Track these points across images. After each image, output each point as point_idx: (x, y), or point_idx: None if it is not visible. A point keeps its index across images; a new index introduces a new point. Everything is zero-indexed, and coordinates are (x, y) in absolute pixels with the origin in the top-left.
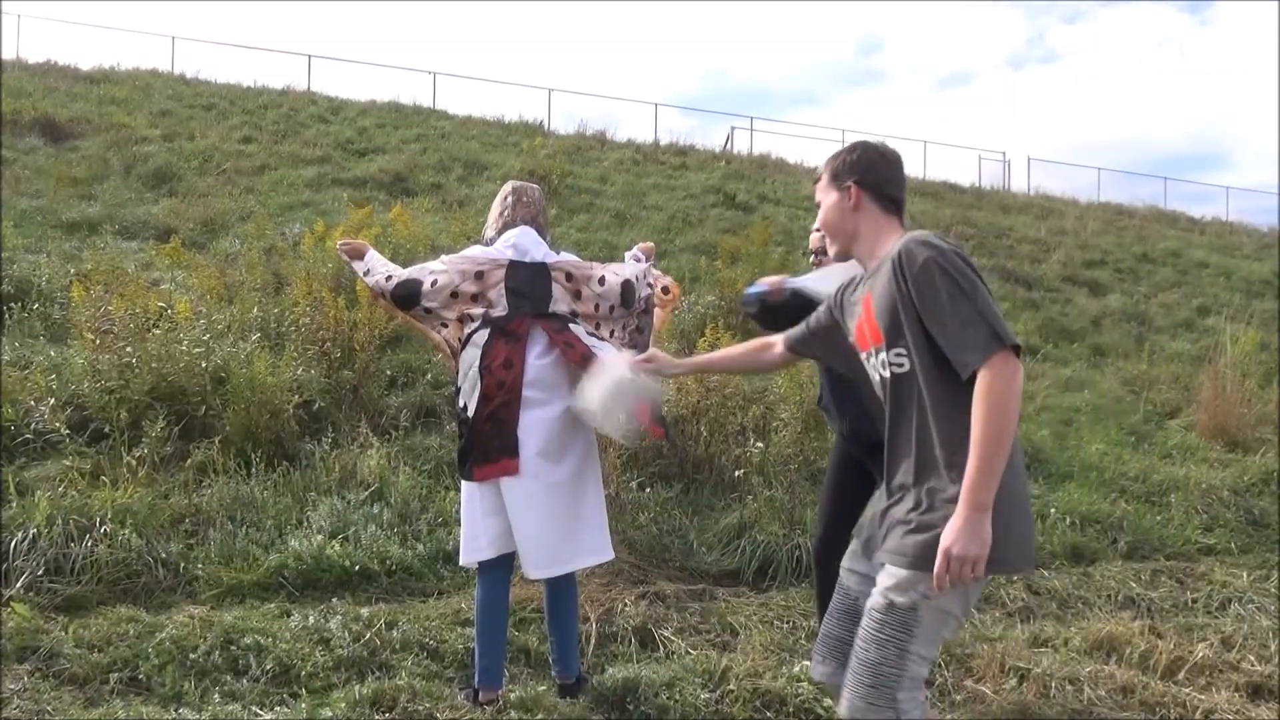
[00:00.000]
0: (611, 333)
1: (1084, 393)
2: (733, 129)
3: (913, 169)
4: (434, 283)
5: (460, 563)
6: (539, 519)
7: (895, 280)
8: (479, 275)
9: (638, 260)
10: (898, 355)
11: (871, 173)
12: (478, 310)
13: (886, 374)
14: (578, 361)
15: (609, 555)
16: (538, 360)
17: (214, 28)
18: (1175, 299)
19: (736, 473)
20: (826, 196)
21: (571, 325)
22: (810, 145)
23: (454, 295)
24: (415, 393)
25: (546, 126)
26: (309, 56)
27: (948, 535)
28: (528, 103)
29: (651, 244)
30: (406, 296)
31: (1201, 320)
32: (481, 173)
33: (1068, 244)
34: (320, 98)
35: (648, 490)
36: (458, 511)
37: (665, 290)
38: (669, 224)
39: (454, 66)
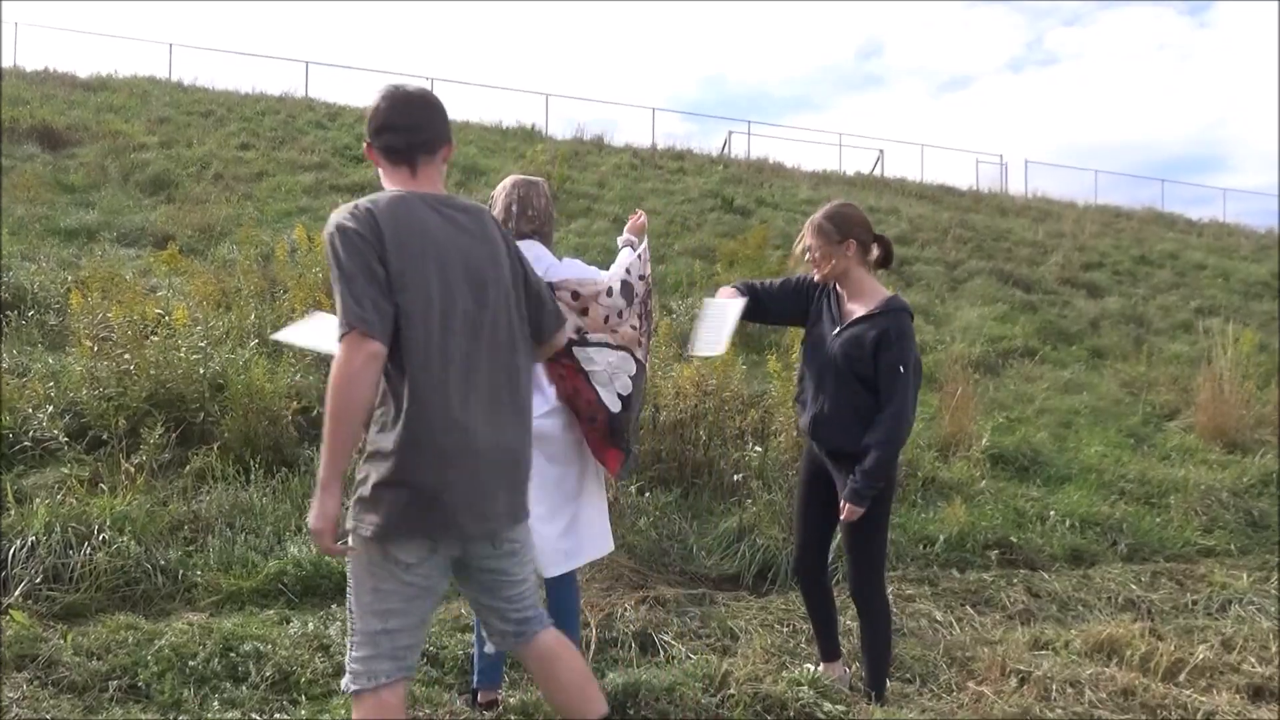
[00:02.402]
0: (634, 327)
1: (1083, 395)
2: (730, 133)
3: (910, 172)
4: None
5: None
6: (547, 519)
7: None
8: None
9: (631, 245)
10: None
11: (371, 124)
12: None
13: None
14: (568, 395)
15: (610, 547)
16: (537, 379)
17: (211, 35)
18: (1174, 301)
19: (735, 476)
20: None
21: (575, 349)
22: (808, 149)
23: None
24: None
25: (544, 131)
26: (306, 63)
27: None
28: (525, 108)
29: (642, 218)
30: None
31: (1200, 322)
32: (479, 178)
33: (1066, 246)
34: (318, 104)
35: (647, 495)
36: None
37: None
38: (667, 228)
39: (451, 72)
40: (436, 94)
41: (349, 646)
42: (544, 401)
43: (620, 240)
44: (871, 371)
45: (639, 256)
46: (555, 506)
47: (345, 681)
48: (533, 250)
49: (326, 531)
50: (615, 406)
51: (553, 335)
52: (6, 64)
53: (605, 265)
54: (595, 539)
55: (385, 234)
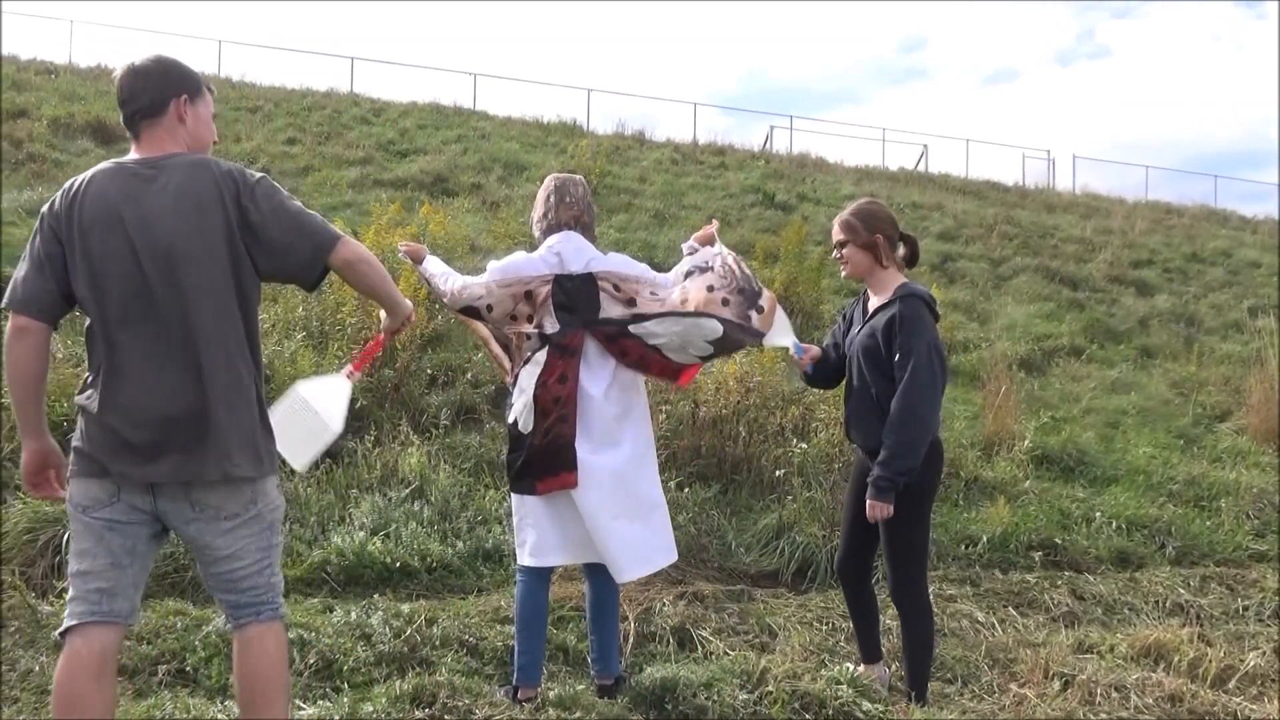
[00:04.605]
0: (710, 288)
1: (1131, 395)
2: (772, 128)
3: (955, 167)
4: (489, 307)
5: (524, 563)
6: (620, 522)
7: None
8: (529, 295)
9: (693, 251)
10: None
11: None
12: (531, 329)
13: None
14: (635, 366)
15: (674, 556)
16: (590, 371)
17: (259, 31)
18: (1226, 299)
19: (777, 472)
20: None
21: (631, 327)
22: (851, 144)
23: (513, 318)
24: (455, 391)
25: (585, 126)
26: (352, 59)
27: None
28: (567, 103)
29: (713, 227)
30: (471, 314)
31: (1253, 321)
32: (521, 173)
33: (1114, 243)
34: (363, 99)
35: (686, 490)
36: (497, 510)
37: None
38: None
39: (494, 67)
40: (165, 56)
41: None
42: (596, 381)
43: (685, 247)
44: (888, 362)
45: (719, 256)
46: (628, 510)
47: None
48: (572, 241)
49: (25, 478)
50: (691, 362)
51: (326, 260)
52: (61, 61)
53: (647, 261)
54: (664, 547)
55: (61, 211)
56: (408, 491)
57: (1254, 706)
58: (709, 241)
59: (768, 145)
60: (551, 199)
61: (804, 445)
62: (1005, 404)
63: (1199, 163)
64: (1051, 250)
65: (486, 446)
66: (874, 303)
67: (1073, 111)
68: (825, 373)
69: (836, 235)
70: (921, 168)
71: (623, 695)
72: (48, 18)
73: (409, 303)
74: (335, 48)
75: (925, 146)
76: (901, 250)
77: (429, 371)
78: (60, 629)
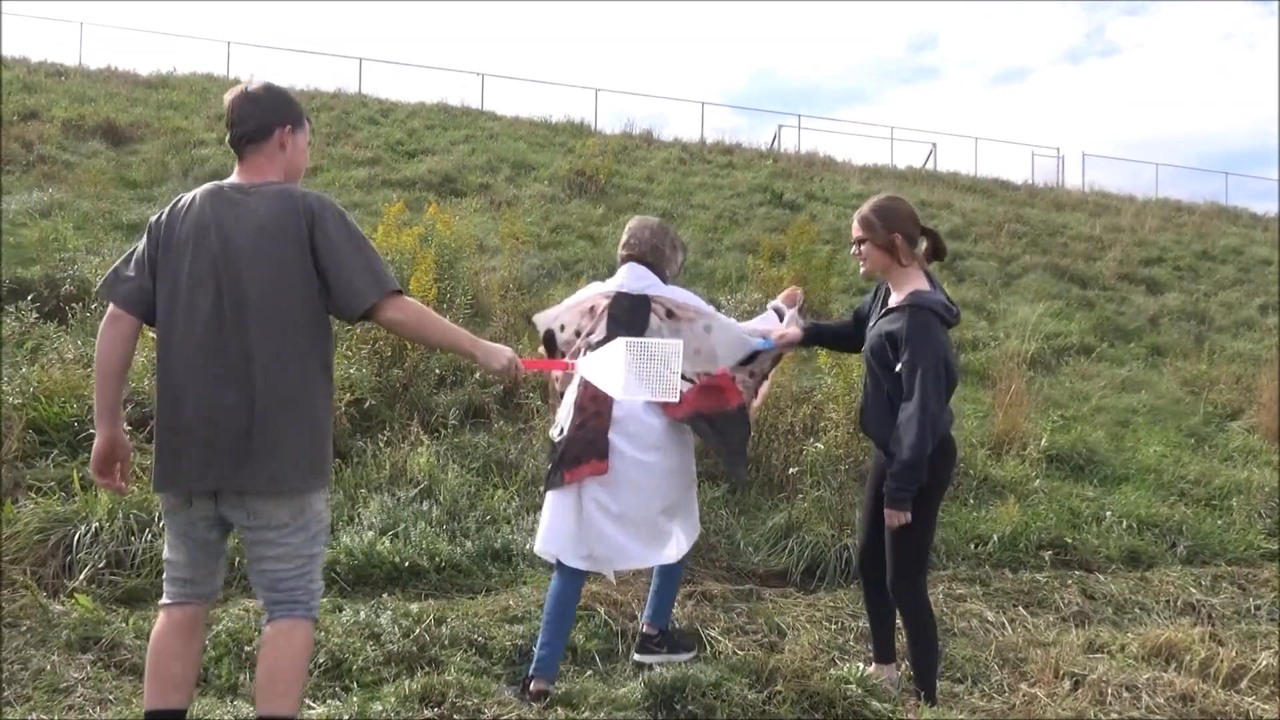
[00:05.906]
0: (743, 383)
1: (1141, 393)
2: (780, 127)
3: (964, 166)
4: (562, 327)
5: (557, 559)
6: (621, 519)
7: None
8: (592, 310)
9: (778, 312)
10: None
11: None
12: (584, 341)
13: None
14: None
15: (674, 559)
16: None
17: (268, 32)
18: (1237, 297)
19: (790, 470)
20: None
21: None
22: (859, 143)
23: (578, 334)
24: (464, 391)
25: (593, 126)
26: (360, 59)
27: None
28: (574, 102)
29: (800, 291)
30: (549, 345)
31: (1264, 319)
32: (529, 173)
33: (1124, 241)
34: (371, 100)
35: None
36: (506, 510)
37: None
38: (715, 223)
39: (502, 67)
40: (274, 85)
41: None
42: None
43: (770, 305)
44: (894, 366)
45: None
46: (631, 504)
47: None
48: (634, 270)
49: (93, 465)
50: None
51: (366, 311)
52: (71, 63)
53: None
54: (652, 552)
55: (164, 223)
56: (416, 491)
57: (1266, 706)
58: (794, 303)
59: (775, 144)
60: (623, 238)
61: (819, 445)
62: (1015, 403)
63: (1210, 160)
64: (1061, 248)
65: (495, 446)
66: (893, 300)
67: (1082, 109)
68: (840, 339)
69: (855, 232)
70: (930, 166)
71: (665, 650)
72: (58, 20)
73: (488, 348)
74: (343, 48)
75: (934, 145)
76: (924, 245)
77: (437, 371)
78: (159, 604)
